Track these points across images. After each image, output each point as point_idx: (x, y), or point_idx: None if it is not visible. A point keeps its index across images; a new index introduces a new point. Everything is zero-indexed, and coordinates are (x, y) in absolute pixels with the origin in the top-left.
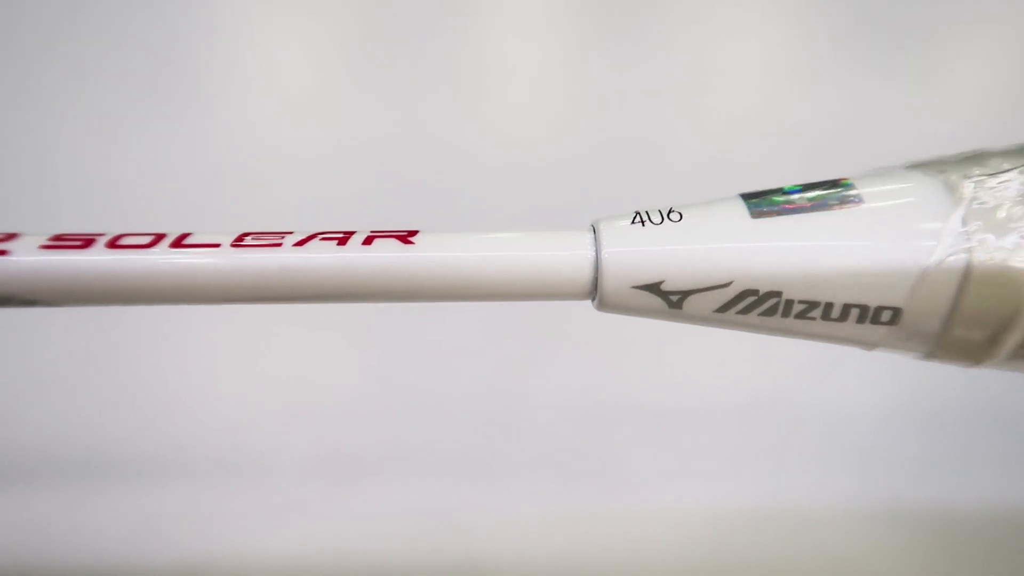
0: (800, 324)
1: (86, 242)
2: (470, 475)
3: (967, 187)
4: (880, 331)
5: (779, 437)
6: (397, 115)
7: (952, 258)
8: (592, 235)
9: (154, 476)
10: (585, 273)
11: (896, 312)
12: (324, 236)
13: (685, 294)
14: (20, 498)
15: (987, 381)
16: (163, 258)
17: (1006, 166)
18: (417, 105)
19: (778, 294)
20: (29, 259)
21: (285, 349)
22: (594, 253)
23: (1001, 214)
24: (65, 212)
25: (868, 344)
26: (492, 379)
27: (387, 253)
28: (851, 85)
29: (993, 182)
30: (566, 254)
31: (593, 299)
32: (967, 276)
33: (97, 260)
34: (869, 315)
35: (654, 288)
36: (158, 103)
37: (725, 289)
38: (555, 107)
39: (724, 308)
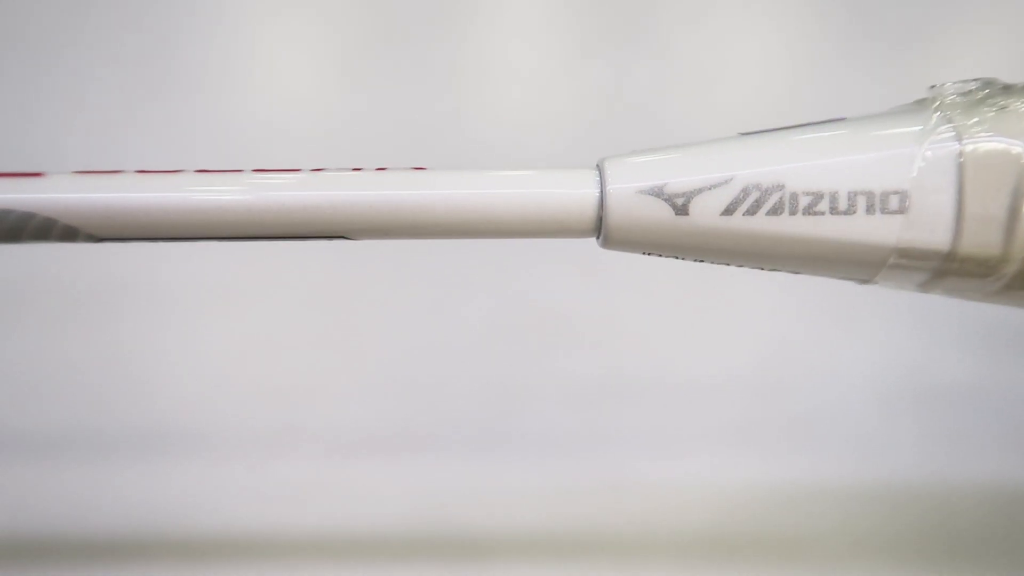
0: (811, 225)
1: (114, 172)
2: (471, 454)
3: (937, 91)
4: (892, 224)
5: (779, 415)
6: (400, 111)
7: (942, 140)
8: (597, 172)
9: (154, 457)
10: (591, 204)
11: (903, 196)
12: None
13: (689, 195)
14: (22, 477)
15: (986, 360)
16: (188, 183)
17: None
18: (420, 101)
19: (781, 187)
20: (62, 179)
21: (285, 330)
22: (599, 189)
23: (977, 96)
24: None
25: (883, 249)
26: (494, 359)
27: (401, 186)
28: (850, 83)
29: (958, 86)
30: (573, 190)
31: (598, 236)
32: (962, 155)
33: (124, 183)
34: (877, 202)
35: (658, 192)
36: (161, 99)
37: (728, 186)
38: (556, 104)
39: (730, 210)
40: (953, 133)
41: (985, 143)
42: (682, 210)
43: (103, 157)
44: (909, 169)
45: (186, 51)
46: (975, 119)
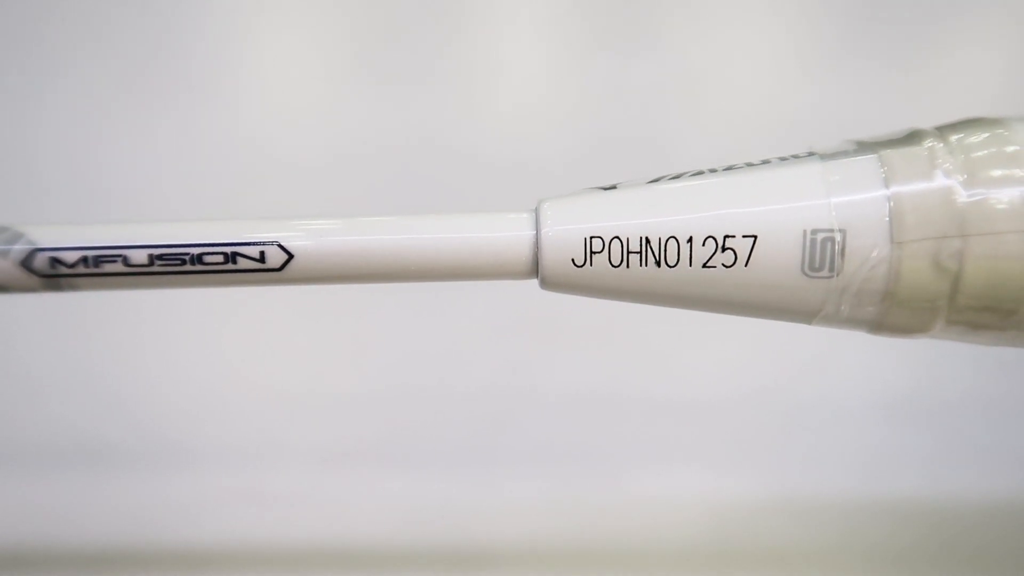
0: (736, 175)
1: None
2: (471, 466)
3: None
4: (813, 164)
5: (779, 429)
6: (396, 112)
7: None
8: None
9: (154, 467)
10: (526, 220)
11: (811, 150)
12: None
13: (614, 184)
14: (22, 487)
15: (991, 371)
16: None
17: None
18: (417, 102)
19: (701, 170)
20: None
21: (284, 341)
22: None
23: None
24: (53, 212)
25: (813, 172)
26: (493, 372)
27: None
28: (854, 77)
29: None
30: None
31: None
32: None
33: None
34: (790, 157)
35: (594, 188)
36: (149, 99)
37: (650, 179)
38: (557, 106)
39: (656, 180)
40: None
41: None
42: (610, 188)
43: (99, 157)
44: (807, 147)
45: (185, 51)
46: None
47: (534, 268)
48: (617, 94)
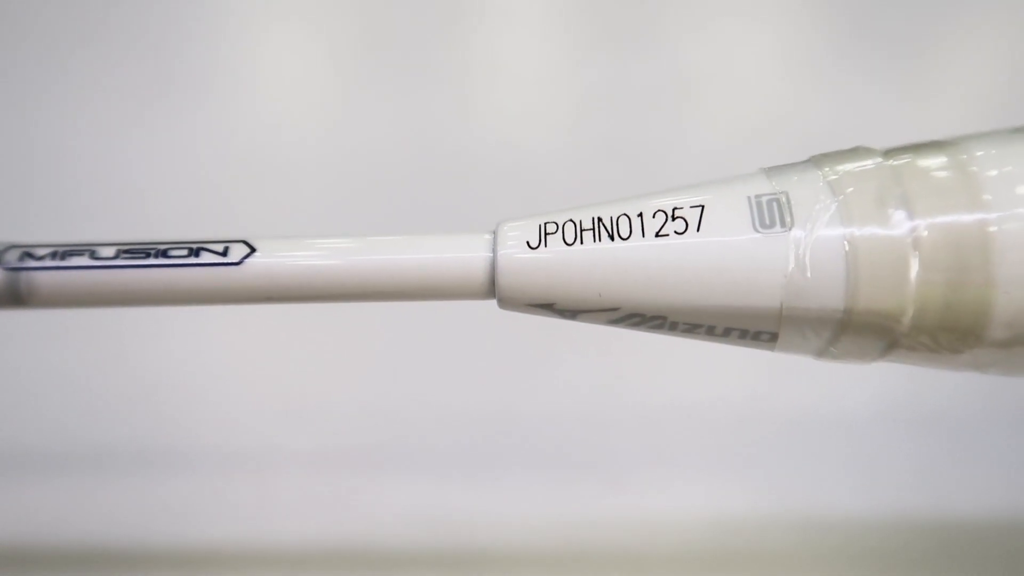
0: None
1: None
2: (470, 474)
3: None
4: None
5: (777, 439)
6: (402, 117)
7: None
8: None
9: (157, 469)
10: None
11: None
12: None
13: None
14: (26, 488)
15: (989, 383)
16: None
17: None
18: (421, 106)
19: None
20: None
21: (287, 345)
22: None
23: None
24: (76, 215)
25: (756, 177)
26: (493, 378)
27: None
28: (847, 90)
29: None
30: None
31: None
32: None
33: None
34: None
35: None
36: (168, 104)
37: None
38: (556, 108)
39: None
40: None
41: None
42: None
43: (104, 160)
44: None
45: (190, 53)
46: None
47: (490, 278)
48: (615, 98)
